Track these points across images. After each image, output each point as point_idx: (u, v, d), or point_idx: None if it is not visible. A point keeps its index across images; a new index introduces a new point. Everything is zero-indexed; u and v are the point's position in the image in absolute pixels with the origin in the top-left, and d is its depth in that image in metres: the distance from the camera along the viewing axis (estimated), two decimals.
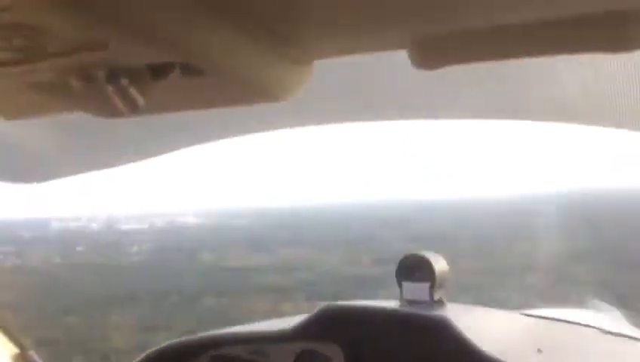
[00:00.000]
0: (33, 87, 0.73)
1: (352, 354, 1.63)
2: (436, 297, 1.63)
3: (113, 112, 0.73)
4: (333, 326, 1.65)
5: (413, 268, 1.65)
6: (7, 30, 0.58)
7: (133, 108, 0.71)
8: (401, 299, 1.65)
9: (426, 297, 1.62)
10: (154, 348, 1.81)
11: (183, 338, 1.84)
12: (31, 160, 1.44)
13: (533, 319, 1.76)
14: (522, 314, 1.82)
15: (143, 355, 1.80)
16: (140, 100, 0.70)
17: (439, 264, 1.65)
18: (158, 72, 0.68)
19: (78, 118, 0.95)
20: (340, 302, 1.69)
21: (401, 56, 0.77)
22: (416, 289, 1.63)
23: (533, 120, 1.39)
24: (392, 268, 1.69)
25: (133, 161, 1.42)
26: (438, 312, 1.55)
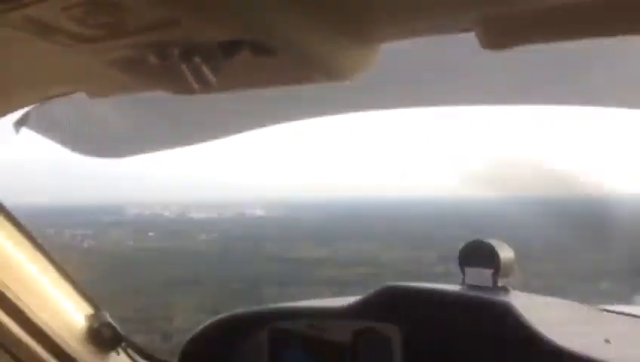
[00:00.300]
0: (114, 64, 0.78)
1: (410, 335, 1.63)
2: (500, 284, 1.60)
3: (187, 90, 0.78)
4: (393, 305, 1.65)
5: (477, 254, 1.63)
6: (92, 6, 0.63)
7: (206, 86, 0.76)
8: (463, 284, 1.63)
9: (488, 283, 1.59)
10: (215, 318, 1.87)
11: (243, 310, 1.89)
12: (114, 136, 1.53)
13: (600, 311, 1.70)
14: (589, 306, 1.78)
15: (205, 324, 1.87)
16: (212, 78, 0.74)
17: (504, 251, 1.61)
18: (230, 50, 0.71)
19: (159, 97, 1.02)
20: (401, 283, 1.69)
21: (468, 37, 0.78)
22: (479, 275, 1.61)
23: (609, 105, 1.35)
24: (457, 267, 1.68)
25: (210, 138, 1.48)
26: (502, 298, 1.53)
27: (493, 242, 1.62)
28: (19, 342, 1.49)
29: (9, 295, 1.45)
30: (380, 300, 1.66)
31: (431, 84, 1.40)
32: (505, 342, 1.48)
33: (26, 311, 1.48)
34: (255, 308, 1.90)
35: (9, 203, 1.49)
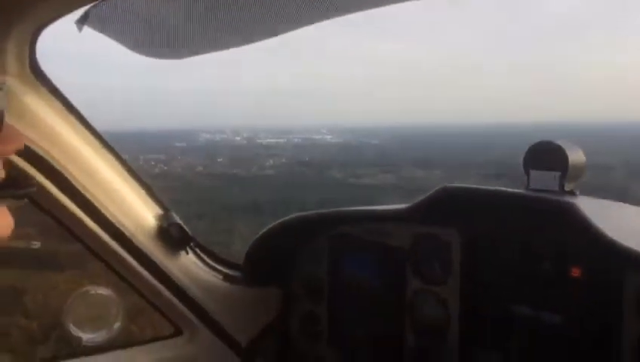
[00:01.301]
0: None
1: (470, 239, 1.62)
2: (567, 188, 1.52)
3: None
4: (453, 208, 1.62)
5: (544, 156, 1.54)
6: None
7: None
8: (527, 187, 1.56)
9: (555, 186, 1.52)
10: (277, 221, 1.91)
11: (304, 213, 1.91)
12: (172, 35, 1.53)
13: None
14: None
15: (269, 226, 1.92)
16: None
17: (574, 153, 1.53)
18: None
19: None
20: (461, 184, 1.64)
21: None
22: (545, 178, 1.53)
23: None
24: None
25: (267, 36, 1.45)
26: (567, 200, 1.46)
27: (563, 143, 1.53)
28: (96, 237, 1.59)
29: (89, 196, 1.53)
30: (440, 203, 1.63)
31: None
32: (569, 244, 1.44)
33: (103, 210, 1.57)
34: (317, 211, 1.90)
35: None
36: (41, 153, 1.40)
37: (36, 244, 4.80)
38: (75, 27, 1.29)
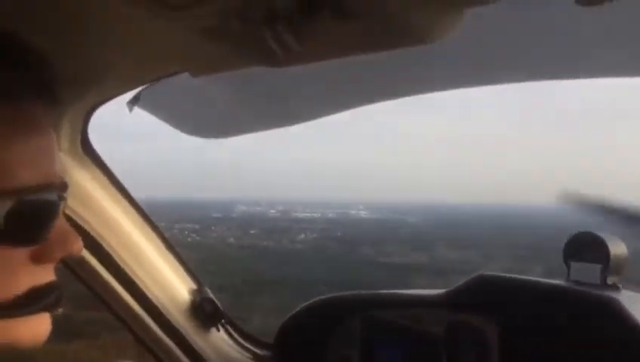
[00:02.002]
0: (205, 35, 0.81)
1: (507, 330, 1.56)
2: (610, 281, 1.48)
3: (272, 59, 0.80)
4: (489, 297, 1.59)
5: (585, 248, 1.51)
6: None
7: (290, 55, 0.77)
8: (568, 279, 1.53)
9: (596, 280, 1.48)
10: (310, 301, 1.89)
11: (336, 294, 1.88)
12: (217, 115, 1.60)
13: None
14: None
15: (300, 306, 1.90)
16: (295, 45, 0.76)
17: (616, 246, 1.49)
18: (307, 10, 0.72)
19: (259, 75, 1.06)
20: (497, 273, 1.62)
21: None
22: (586, 270, 1.50)
23: None
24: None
25: (311, 118, 1.50)
26: (611, 295, 1.41)
27: (604, 235, 1.50)
28: (128, 307, 1.61)
29: (124, 266, 1.56)
30: (476, 290, 1.60)
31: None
32: (610, 342, 1.38)
33: (138, 281, 1.59)
34: (349, 293, 1.88)
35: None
36: (80, 222, 1.44)
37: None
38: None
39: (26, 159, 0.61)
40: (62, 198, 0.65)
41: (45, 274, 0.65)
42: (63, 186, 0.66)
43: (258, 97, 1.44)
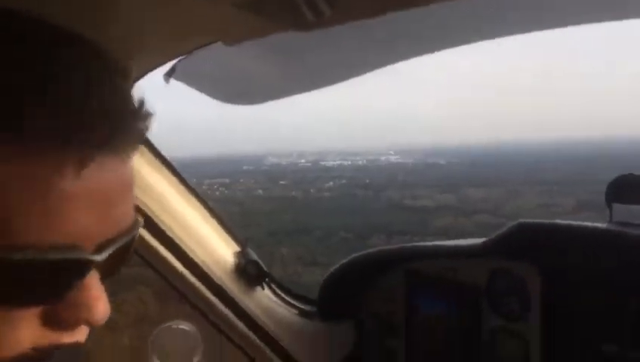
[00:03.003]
0: (238, 4, 0.81)
1: (549, 277, 1.58)
2: None
3: (303, 23, 0.79)
4: (531, 244, 1.58)
5: (628, 189, 1.49)
6: None
7: (321, 18, 0.77)
8: (610, 221, 1.51)
9: (639, 220, 1.46)
10: (349, 258, 1.93)
11: (378, 249, 1.92)
12: (251, 83, 1.60)
13: None
14: None
15: (341, 262, 1.94)
16: (326, 9, 0.75)
17: None
18: None
19: (290, 41, 1.04)
20: (537, 220, 1.60)
21: None
22: (629, 212, 1.48)
23: None
24: (599, 214, 1.55)
25: (341, 79, 1.48)
26: None
27: None
28: (180, 275, 1.67)
29: (170, 234, 1.61)
30: (516, 238, 1.59)
31: None
32: None
33: (184, 247, 1.64)
34: (389, 247, 1.91)
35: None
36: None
37: None
38: None
39: (35, 216, 0.50)
40: (91, 263, 0.55)
41: (54, 336, 0.56)
42: (101, 246, 0.56)
43: (287, 61, 1.43)
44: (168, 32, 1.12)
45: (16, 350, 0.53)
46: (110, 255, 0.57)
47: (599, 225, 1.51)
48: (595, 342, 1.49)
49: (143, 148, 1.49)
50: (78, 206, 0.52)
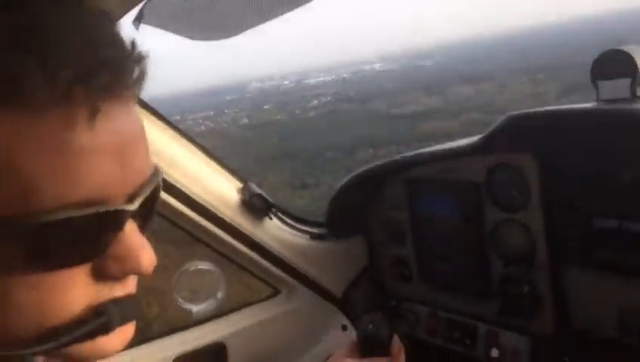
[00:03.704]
0: None
1: (546, 162, 1.60)
2: (639, 92, 1.46)
3: None
4: (523, 135, 1.60)
5: (612, 64, 1.47)
6: None
7: None
8: (598, 100, 1.50)
9: (626, 94, 1.45)
10: (352, 174, 1.96)
11: (379, 162, 1.93)
12: (220, 16, 1.55)
13: None
14: None
15: (345, 180, 1.97)
16: None
17: None
18: None
19: None
20: (526, 110, 1.59)
21: None
22: (615, 87, 1.46)
23: None
24: (588, 96, 1.52)
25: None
26: None
27: (629, 48, 1.45)
28: (186, 217, 1.69)
29: (173, 183, 1.63)
30: (508, 131, 1.60)
31: None
32: None
33: (187, 191, 1.66)
34: (387, 159, 1.92)
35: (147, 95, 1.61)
36: None
37: None
38: None
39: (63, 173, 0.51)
40: (125, 213, 0.56)
41: (107, 291, 0.58)
42: (131, 196, 0.57)
43: None
44: None
45: (73, 311, 0.55)
46: (141, 203, 0.58)
47: (587, 105, 1.51)
48: (596, 218, 1.54)
49: None
50: (97, 160, 0.52)
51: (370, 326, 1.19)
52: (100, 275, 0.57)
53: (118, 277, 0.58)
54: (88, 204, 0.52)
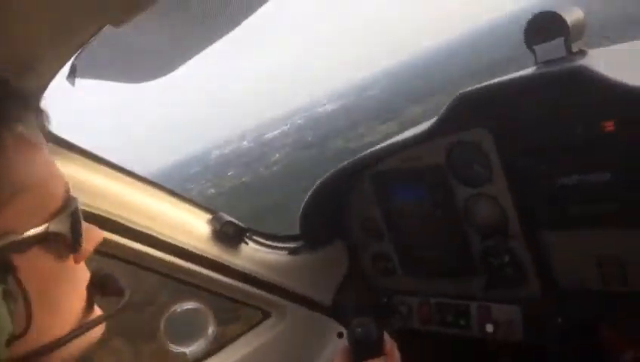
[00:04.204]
0: None
1: (501, 132, 1.64)
2: (575, 49, 1.52)
3: None
4: (474, 110, 1.63)
5: (543, 28, 1.52)
6: None
7: None
8: (536, 63, 1.56)
9: (562, 53, 1.51)
10: (318, 182, 1.97)
11: (339, 167, 1.95)
12: (151, 55, 1.58)
13: None
14: None
15: (311, 190, 1.98)
16: None
17: (572, 14, 1.52)
18: None
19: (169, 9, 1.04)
20: (473, 86, 1.63)
21: None
22: (550, 48, 1.52)
23: None
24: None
25: (229, 29, 1.48)
26: (577, 62, 1.45)
27: (558, 9, 1.51)
28: (163, 261, 1.67)
29: (142, 229, 1.60)
30: (460, 109, 1.65)
31: None
32: (593, 103, 1.44)
33: (160, 236, 1.64)
34: (348, 161, 1.94)
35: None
36: (87, 209, 1.46)
37: None
38: None
39: (54, 175, 0.65)
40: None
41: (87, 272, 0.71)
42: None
43: (177, 24, 1.42)
44: (56, 31, 1.10)
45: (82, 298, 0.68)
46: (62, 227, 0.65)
47: (527, 71, 1.56)
48: (559, 177, 1.58)
49: (69, 153, 1.45)
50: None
51: (359, 330, 1.22)
52: (78, 258, 0.68)
53: (88, 253, 0.69)
54: (71, 198, 0.67)
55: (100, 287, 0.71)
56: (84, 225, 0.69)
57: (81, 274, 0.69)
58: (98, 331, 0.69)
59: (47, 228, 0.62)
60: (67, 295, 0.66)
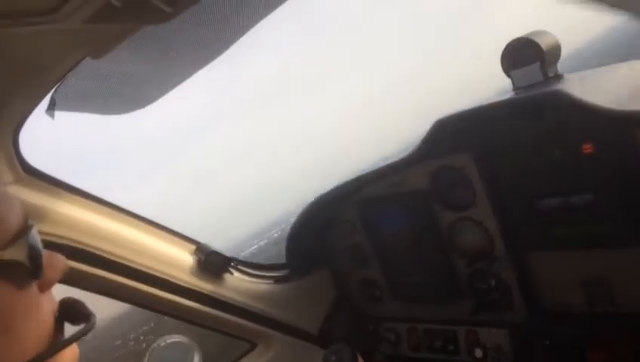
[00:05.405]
0: (92, 21, 0.80)
1: (482, 156, 1.64)
2: (551, 74, 1.54)
3: (163, 15, 0.80)
4: (454, 135, 1.63)
5: (518, 54, 1.54)
6: None
7: (175, 7, 0.78)
8: (514, 89, 1.57)
9: (539, 78, 1.53)
10: (302, 210, 1.96)
11: (324, 193, 1.95)
12: (132, 87, 1.55)
13: None
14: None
15: (296, 218, 1.97)
16: None
17: (546, 38, 1.53)
18: None
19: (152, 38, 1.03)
20: (451, 113, 1.64)
21: None
22: (527, 74, 1.54)
23: None
24: None
25: (207, 61, 1.46)
26: (554, 87, 1.46)
27: (531, 34, 1.53)
28: (146, 293, 1.65)
29: (124, 261, 1.58)
30: (440, 134, 1.64)
31: None
32: (572, 126, 1.44)
33: (142, 268, 1.62)
34: (335, 186, 1.93)
35: None
36: (61, 242, 1.44)
37: None
38: None
39: (6, 203, 0.64)
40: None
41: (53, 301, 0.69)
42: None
43: (159, 55, 1.40)
44: (33, 66, 1.08)
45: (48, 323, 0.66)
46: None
47: (504, 96, 1.57)
48: (541, 200, 1.57)
49: (48, 186, 1.43)
50: None
51: (333, 357, 1.26)
52: (43, 287, 0.67)
53: (54, 282, 0.68)
54: (28, 228, 0.64)
55: (69, 315, 0.70)
56: (46, 252, 0.67)
57: (47, 303, 0.68)
58: (69, 359, 0.68)
59: (2, 256, 0.60)
60: (30, 322, 0.64)
